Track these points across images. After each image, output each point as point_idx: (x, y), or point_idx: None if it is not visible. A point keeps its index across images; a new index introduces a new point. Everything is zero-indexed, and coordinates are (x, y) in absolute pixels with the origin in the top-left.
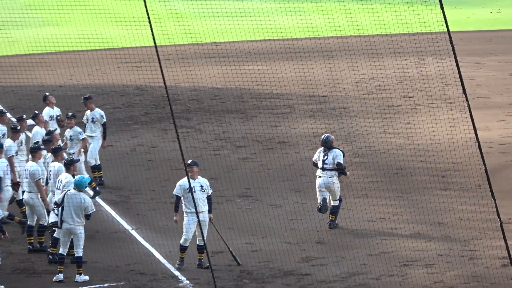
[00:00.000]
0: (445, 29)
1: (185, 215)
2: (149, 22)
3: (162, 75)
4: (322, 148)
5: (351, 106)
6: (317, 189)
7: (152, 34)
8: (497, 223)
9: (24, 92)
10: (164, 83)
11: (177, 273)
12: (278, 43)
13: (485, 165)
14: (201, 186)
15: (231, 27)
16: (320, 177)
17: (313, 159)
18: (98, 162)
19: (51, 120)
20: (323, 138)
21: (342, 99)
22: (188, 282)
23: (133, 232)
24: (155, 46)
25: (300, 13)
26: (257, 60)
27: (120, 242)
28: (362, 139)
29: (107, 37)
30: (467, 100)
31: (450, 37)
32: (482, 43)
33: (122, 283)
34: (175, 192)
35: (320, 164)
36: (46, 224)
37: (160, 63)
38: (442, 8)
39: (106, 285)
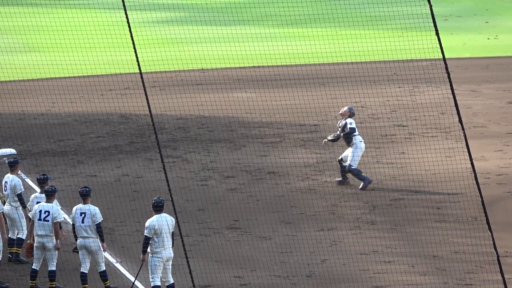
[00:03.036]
0: (441, 56)
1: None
2: (134, 48)
3: (148, 103)
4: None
5: None
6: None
7: (137, 61)
8: (494, 257)
9: (4, 120)
10: (150, 111)
11: None
12: (268, 70)
13: (481, 196)
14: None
15: (219, 53)
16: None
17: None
18: None
19: None
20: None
21: (334, 128)
22: None
23: (118, 265)
24: (140, 73)
25: (291, 39)
26: (246, 87)
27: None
28: None
29: (91, 63)
30: (463, 129)
31: (445, 64)
32: (478, 70)
33: None
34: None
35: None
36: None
37: (145, 90)
38: (437, 34)
39: None
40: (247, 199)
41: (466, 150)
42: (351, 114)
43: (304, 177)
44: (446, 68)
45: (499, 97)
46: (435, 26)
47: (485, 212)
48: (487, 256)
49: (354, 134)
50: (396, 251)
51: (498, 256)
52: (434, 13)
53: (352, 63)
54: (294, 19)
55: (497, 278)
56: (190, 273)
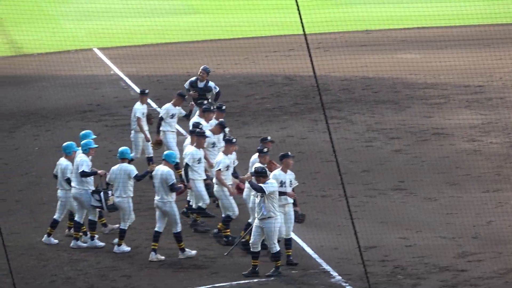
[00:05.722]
0: None
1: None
2: (298, 9)
3: (312, 64)
4: None
5: (509, 96)
6: None
7: (301, 22)
8: None
9: (169, 82)
10: (314, 72)
11: (328, 268)
12: (432, 31)
13: None
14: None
15: (383, 15)
16: None
17: None
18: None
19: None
20: None
21: (499, 89)
22: (340, 277)
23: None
24: (304, 34)
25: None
26: (411, 48)
27: None
28: None
29: (255, 25)
30: None
31: None
32: None
33: (272, 278)
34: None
35: None
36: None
37: (309, 52)
38: None
39: (255, 280)
40: (412, 160)
41: None
42: None
43: (469, 138)
44: None
45: None
46: None
47: None
48: None
49: None
50: None
51: None
52: None
53: None
54: None
55: None
56: (355, 234)
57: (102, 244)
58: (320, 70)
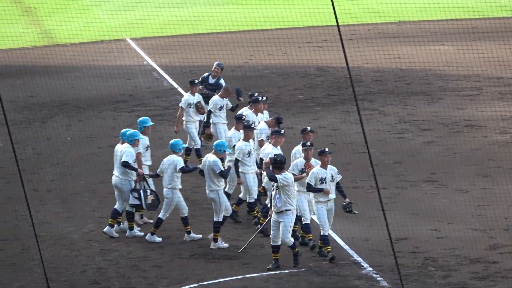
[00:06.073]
0: None
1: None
2: (331, 0)
3: (345, 55)
4: None
5: None
6: None
7: (335, 13)
8: None
9: (202, 73)
10: (347, 63)
11: (359, 259)
12: (465, 23)
13: None
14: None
15: (417, 6)
16: None
17: None
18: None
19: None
20: None
21: None
22: (371, 269)
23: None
24: (338, 26)
25: None
26: (443, 40)
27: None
28: None
29: (288, 16)
30: None
31: None
32: None
33: (303, 269)
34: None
35: None
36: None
37: (342, 43)
38: None
39: (286, 271)
40: (444, 152)
41: None
42: None
43: (501, 130)
44: None
45: None
46: None
47: None
48: None
49: None
50: None
51: None
52: None
53: None
54: None
55: None
56: (387, 225)
57: (141, 233)
58: (353, 61)
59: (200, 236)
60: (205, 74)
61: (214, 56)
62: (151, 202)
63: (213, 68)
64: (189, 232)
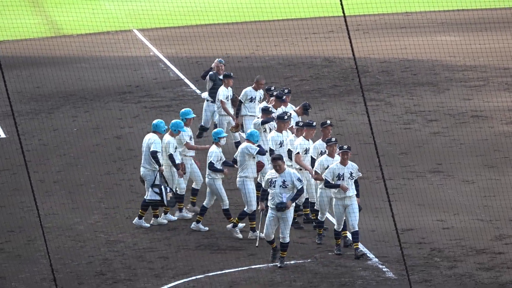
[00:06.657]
0: None
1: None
2: None
3: (351, 46)
4: None
5: None
6: None
7: (341, 4)
8: None
9: (209, 63)
10: (353, 54)
11: (365, 250)
12: (472, 13)
13: None
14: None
15: None
16: None
17: None
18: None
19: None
20: None
21: None
22: (377, 260)
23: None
24: (344, 16)
25: None
26: (450, 30)
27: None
28: None
29: (295, 6)
30: None
31: None
32: None
33: (309, 260)
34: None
35: None
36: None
37: (349, 33)
38: None
39: (292, 262)
40: (450, 143)
41: None
42: None
43: (508, 121)
44: None
45: None
46: None
47: None
48: None
49: None
50: None
51: None
52: None
53: None
54: None
55: None
56: (393, 216)
57: (147, 225)
58: (360, 52)
59: (207, 228)
60: (211, 73)
61: (220, 47)
62: (169, 199)
63: (216, 65)
64: (198, 222)
